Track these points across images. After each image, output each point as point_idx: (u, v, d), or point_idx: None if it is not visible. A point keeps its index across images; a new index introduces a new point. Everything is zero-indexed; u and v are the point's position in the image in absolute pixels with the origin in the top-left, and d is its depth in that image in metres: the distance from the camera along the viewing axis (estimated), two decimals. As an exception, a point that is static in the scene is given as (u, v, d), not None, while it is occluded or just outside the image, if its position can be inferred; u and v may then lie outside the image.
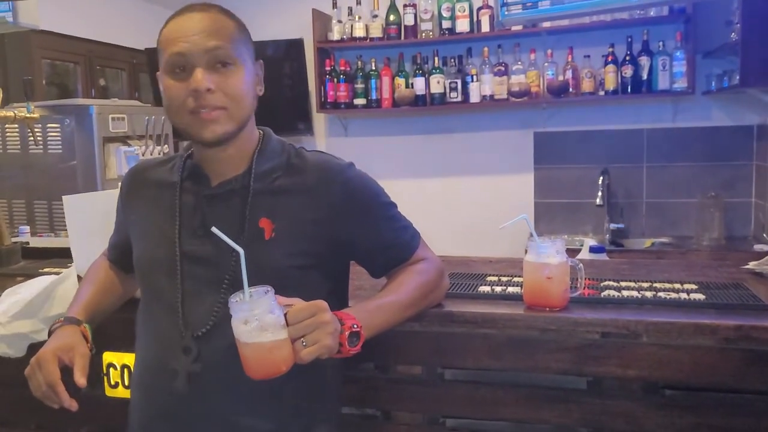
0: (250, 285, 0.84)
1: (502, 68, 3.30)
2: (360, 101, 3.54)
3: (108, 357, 1.31)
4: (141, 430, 1.03)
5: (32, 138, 2.14)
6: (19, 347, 1.26)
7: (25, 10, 2.04)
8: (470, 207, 3.54)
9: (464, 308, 1.14)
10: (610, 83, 3.15)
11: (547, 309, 1.12)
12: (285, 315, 0.84)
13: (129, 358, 1.28)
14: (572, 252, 1.30)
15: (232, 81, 0.96)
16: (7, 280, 1.54)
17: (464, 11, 3.32)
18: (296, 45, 3.51)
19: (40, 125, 2.34)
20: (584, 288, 1.17)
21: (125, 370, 1.31)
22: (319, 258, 1.00)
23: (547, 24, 3.10)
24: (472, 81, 3.34)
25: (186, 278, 0.99)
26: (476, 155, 3.55)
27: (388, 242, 1.05)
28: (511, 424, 1.16)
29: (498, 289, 1.25)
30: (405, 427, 1.20)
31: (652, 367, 1.07)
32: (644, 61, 3.10)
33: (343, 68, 3.56)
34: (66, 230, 1.46)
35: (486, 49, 3.33)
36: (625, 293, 1.20)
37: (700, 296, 1.17)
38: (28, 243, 1.91)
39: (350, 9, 3.50)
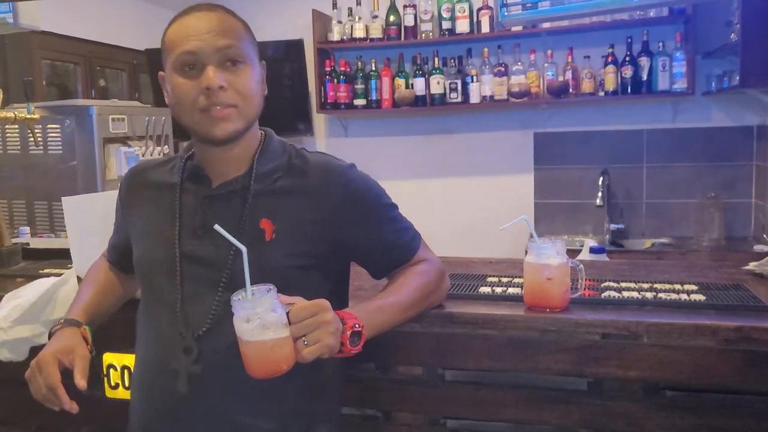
0: (251, 285, 0.84)
1: (502, 69, 3.30)
2: (360, 102, 3.54)
3: (108, 358, 1.31)
4: (141, 431, 1.03)
5: (32, 139, 2.14)
6: (20, 351, 1.26)
7: (25, 11, 2.05)
8: (470, 208, 3.54)
9: (465, 309, 1.14)
10: (610, 84, 3.15)
11: (548, 310, 1.12)
12: (287, 314, 0.84)
13: (129, 359, 1.28)
14: (572, 253, 1.30)
15: (242, 79, 0.97)
16: (7, 281, 1.54)
17: (464, 12, 3.33)
18: (296, 45, 3.51)
19: (40, 126, 2.34)
20: (585, 289, 1.17)
21: (125, 371, 1.31)
22: (319, 259, 1.00)
23: (547, 25, 3.10)
24: (472, 81, 3.34)
25: (186, 279, 0.99)
26: (476, 156, 3.55)
27: (389, 243, 1.05)
28: (512, 425, 1.16)
29: (498, 290, 1.25)
30: (405, 428, 1.20)
31: (652, 368, 1.07)
32: (644, 61, 3.10)
33: (343, 69, 3.56)
34: (66, 231, 1.45)
35: (486, 49, 3.33)
36: (626, 294, 1.20)
37: (700, 297, 1.17)
38: (28, 244, 1.91)
39: (350, 9, 3.50)
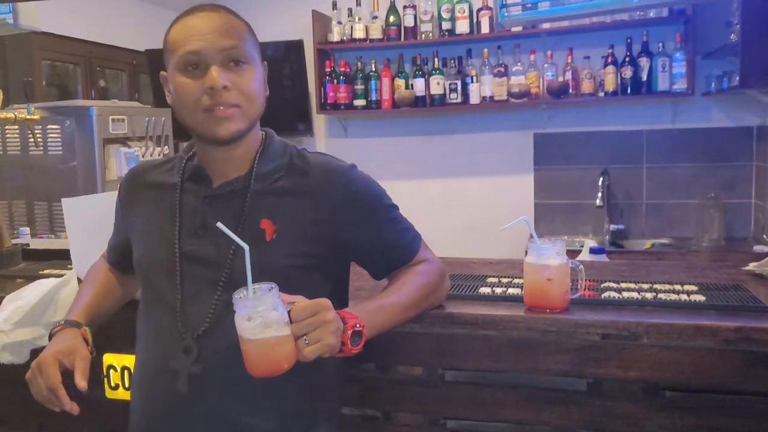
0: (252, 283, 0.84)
1: (502, 69, 3.30)
2: (360, 102, 3.54)
3: (108, 359, 1.31)
4: (141, 431, 1.03)
5: (32, 139, 2.15)
6: (22, 354, 1.26)
7: (25, 11, 2.05)
8: (470, 208, 3.54)
9: (465, 309, 1.14)
10: (610, 84, 3.15)
11: (548, 310, 1.12)
12: (288, 312, 0.84)
13: (129, 360, 1.28)
14: (572, 253, 1.30)
15: (246, 79, 0.97)
16: (7, 282, 1.54)
17: (464, 12, 3.33)
18: (296, 46, 3.51)
19: (40, 126, 2.34)
20: (584, 289, 1.17)
21: (125, 372, 1.31)
22: (320, 259, 1.00)
23: (546, 25, 3.10)
24: (472, 82, 3.34)
25: (185, 279, 0.99)
26: (476, 156, 3.55)
27: (390, 244, 1.05)
28: (512, 426, 1.16)
29: (498, 290, 1.25)
30: (405, 428, 1.20)
31: (652, 369, 1.07)
32: (644, 62, 3.10)
33: (343, 69, 3.56)
34: (66, 231, 1.45)
35: (486, 50, 3.33)
36: (626, 295, 1.20)
37: (700, 298, 1.17)
38: (28, 244, 1.91)
39: (350, 10, 3.50)
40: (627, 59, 3.12)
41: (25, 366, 1.03)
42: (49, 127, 2.47)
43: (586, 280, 1.16)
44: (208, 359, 0.96)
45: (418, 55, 3.47)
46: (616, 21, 3.11)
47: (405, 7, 3.43)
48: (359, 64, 3.54)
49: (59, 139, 2.49)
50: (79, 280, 1.29)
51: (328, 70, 3.55)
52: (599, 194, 3.10)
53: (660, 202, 3.27)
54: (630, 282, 1.30)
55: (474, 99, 3.35)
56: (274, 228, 0.98)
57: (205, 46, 0.94)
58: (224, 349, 0.93)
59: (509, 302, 1.19)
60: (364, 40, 3.48)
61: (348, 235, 1.01)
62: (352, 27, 3.48)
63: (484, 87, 3.33)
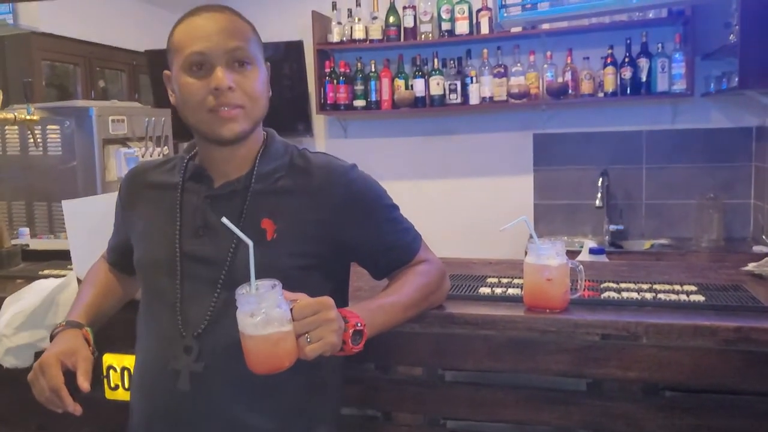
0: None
1: (502, 70, 3.31)
2: (359, 103, 3.54)
3: (108, 359, 1.31)
4: (142, 431, 1.03)
5: (32, 140, 2.15)
6: (25, 357, 1.26)
7: (25, 12, 2.05)
8: (470, 208, 3.55)
9: (464, 310, 1.15)
10: (609, 85, 3.15)
11: (547, 311, 1.13)
12: (290, 310, 0.84)
13: (129, 360, 1.28)
14: (572, 254, 1.30)
15: (250, 80, 0.97)
16: (7, 282, 1.55)
17: (463, 13, 3.33)
18: (296, 47, 3.51)
19: (39, 127, 2.34)
20: (584, 290, 1.17)
21: (125, 373, 1.31)
22: (320, 259, 1.00)
23: (546, 26, 3.10)
24: (472, 83, 3.35)
25: (186, 278, 0.99)
26: (476, 157, 3.56)
27: (390, 244, 1.06)
28: (512, 426, 1.16)
29: (498, 290, 1.25)
30: (405, 428, 1.20)
31: (652, 369, 1.07)
32: (643, 62, 3.10)
33: (342, 70, 3.56)
34: (66, 232, 1.46)
35: (485, 50, 3.33)
36: (625, 295, 1.20)
37: (699, 298, 1.17)
38: (27, 245, 1.91)
39: (350, 11, 3.50)
40: (626, 60, 3.12)
41: (26, 367, 1.02)
42: (48, 127, 2.48)
43: (585, 281, 1.16)
44: (209, 357, 0.96)
45: (418, 56, 3.47)
46: (616, 22, 3.11)
47: (405, 7, 3.43)
48: (359, 64, 3.54)
49: (59, 140, 2.49)
50: (79, 281, 1.29)
51: (327, 70, 3.55)
52: (599, 195, 3.11)
53: (659, 203, 3.27)
54: (629, 282, 1.30)
55: (473, 99, 3.35)
56: (275, 228, 0.98)
57: (211, 47, 0.95)
58: (225, 347, 0.94)
59: (509, 302, 1.20)
60: (364, 40, 3.48)
61: (348, 235, 1.02)
62: (351, 27, 3.48)
63: (483, 87, 3.33)
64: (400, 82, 3.47)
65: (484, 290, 1.26)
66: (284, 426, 0.99)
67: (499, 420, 1.16)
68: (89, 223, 1.39)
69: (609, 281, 1.31)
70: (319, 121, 3.79)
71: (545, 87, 3.27)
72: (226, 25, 0.97)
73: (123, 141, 2.66)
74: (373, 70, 3.52)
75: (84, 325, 1.07)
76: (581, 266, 1.15)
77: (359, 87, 3.53)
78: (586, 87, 3.19)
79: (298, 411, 1.00)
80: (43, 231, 2.48)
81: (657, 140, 3.26)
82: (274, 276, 0.86)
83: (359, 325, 0.89)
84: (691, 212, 3.16)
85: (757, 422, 1.05)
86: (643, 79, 3.10)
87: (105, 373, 1.31)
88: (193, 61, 0.96)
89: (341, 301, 1.06)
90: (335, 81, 3.53)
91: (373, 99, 3.52)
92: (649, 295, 1.19)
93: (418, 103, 3.43)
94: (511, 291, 1.24)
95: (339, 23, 3.52)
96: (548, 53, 3.26)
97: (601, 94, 3.19)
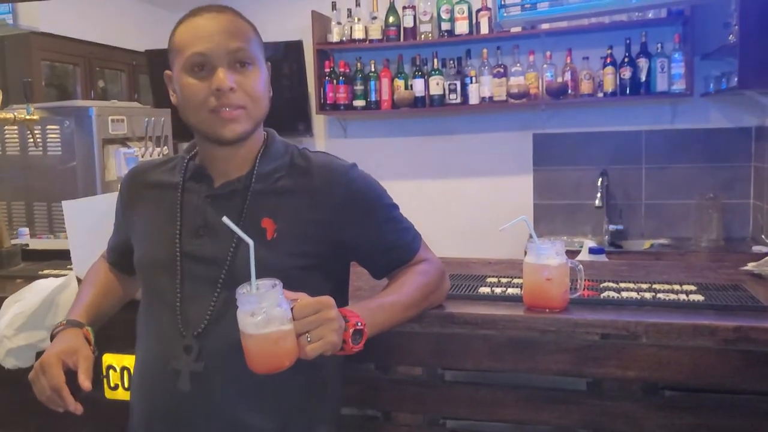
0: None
1: (501, 70, 3.31)
2: (359, 103, 3.54)
3: (108, 359, 1.31)
4: (142, 431, 1.03)
5: (32, 140, 2.15)
6: (26, 358, 1.26)
7: (25, 12, 2.05)
8: (469, 208, 3.55)
9: (464, 309, 1.15)
10: (609, 85, 3.15)
11: (547, 310, 1.13)
12: (291, 309, 0.84)
13: (129, 360, 1.28)
14: (571, 254, 1.30)
15: (251, 81, 0.98)
16: (6, 282, 1.55)
17: (463, 13, 3.33)
18: (296, 46, 3.51)
19: (39, 127, 2.34)
20: (584, 289, 1.17)
21: (125, 373, 1.31)
22: (320, 259, 1.00)
23: (545, 26, 3.11)
24: (471, 82, 3.35)
25: (186, 278, 0.99)
26: (475, 157, 3.56)
27: (390, 244, 1.06)
28: (511, 426, 1.16)
29: (498, 290, 1.25)
30: (405, 428, 1.20)
31: (651, 368, 1.07)
32: (643, 62, 3.10)
33: (342, 70, 3.56)
34: (65, 232, 1.46)
35: (485, 50, 3.33)
36: (625, 294, 1.21)
37: (699, 297, 1.17)
38: (27, 245, 1.91)
39: (349, 11, 3.51)
40: (626, 60, 3.12)
41: (27, 367, 1.02)
42: (48, 127, 2.48)
43: (585, 280, 1.16)
44: (209, 357, 0.96)
45: (418, 56, 3.47)
46: (615, 22, 3.11)
47: (404, 7, 3.43)
48: (359, 64, 3.54)
49: (58, 140, 2.49)
50: (79, 281, 1.29)
51: (327, 70, 3.55)
52: (598, 195, 3.11)
53: (659, 203, 3.27)
54: (629, 282, 1.30)
55: (473, 99, 3.35)
56: (275, 227, 0.98)
57: (212, 48, 0.95)
58: (224, 346, 0.94)
59: (509, 302, 1.20)
60: (364, 40, 3.48)
61: (348, 234, 1.02)
62: (351, 27, 3.48)
63: (483, 87, 3.33)
64: (399, 82, 3.47)
65: (484, 290, 1.26)
66: (284, 426, 0.99)
67: (499, 420, 1.16)
68: (89, 224, 1.39)
69: (608, 281, 1.32)
70: (318, 121, 3.79)
71: (545, 87, 3.27)
72: (228, 26, 0.97)
73: (123, 141, 2.66)
74: (372, 70, 3.52)
75: (84, 324, 1.07)
76: (581, 266, 1.15)
77: (359, 87, 3.53)
78: (585, 87, 3.20)
79: (298, 411, 1.00)
80: (43, 231, 2.48)
81: (656, 140, 3.26)
82: (274, 276, 0.86)
83: (359, 324, 0.89)
84: (691, 212, 3.16)
85: (756, 422, 1.05)
86: (643, 79, 3.10)
87: (105, 373, 1.32)
88: (194, 62, 0.96)
89: (341, 301, 1.06)
90: (335, 81, 3.53)
91: (373, 99, 3.52)
92: (648, 295, 1.19)
93: (417, 103, 3.43)
94: (510, 291, 1.25)
95: (339, 23, 3.52)
96: (548, 53, 3.27)
97: (600, 94, 3.19)
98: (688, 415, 1.08)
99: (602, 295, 1.21)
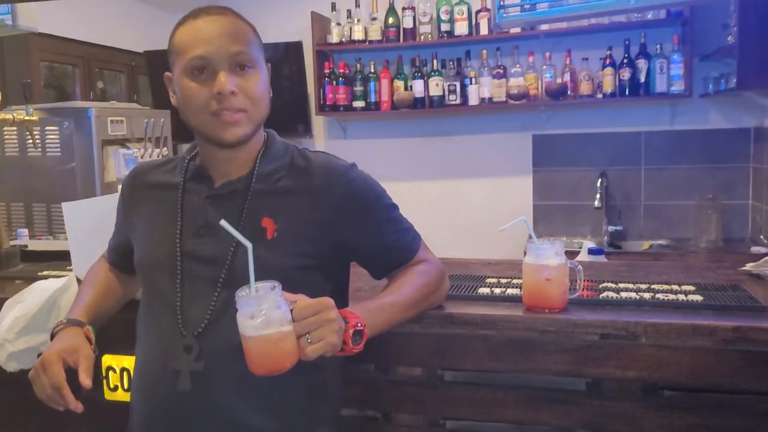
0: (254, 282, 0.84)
1: (501, 71, 3.31)
2: (359, 104, 3.54)
3: (107, 360, 1.31)
4: (142, 431, 1.03)
5: (31, 141, 2.15)
6: (28, 361, 1.26)
7: (24, 12, 2.04)
8: (469, 209, 3.55)
9: (464, 310, 1.15)
10: (608, 86, 3.16)
11: (547, 310, 1.13)
12: (290, 311, 0.84)
13: (128, 361, 1.28)
14: (571, 254, 1.30)
15: (252, 84, 0.98)
16: (6, 283, 1.55)
17: (463, 14, 3.33)
18: (295, 47, 3.51)
19: (38, 128, 2.34)
20: (583, 290, 1.17)
21: (125, 374, 1.31)
22: (320, 259, 1.00)
23: (545, 27, 3.11)
24: (471, 84, 3.35)
25: (186, 278, 0.99)
26: (475, 158, 3.56)
27: (390, 244, 1.06)
28: (511, 426, 1.16)
29: (497, 290, 1.25)
30: (405, 429, 1.20)
31: (650, 369, 1.07)
32: (642, 63, 3.11)
33: (342, 71, 3.56)
34: (65, 233, 1.46)
35: (485, 51, 3.34)
36: (624, 295, 1.21)
37: (698, 298, 1.17)
38: (26, 246, 1.91)
39: (349, 12, 3.51)
40: (625, 61, 3.13)
41: (27, 369, 1.02)
42: (47, 128, 2.48)
43: (584, 281, 1.16)
44: (210, 357, 0.96)
45: (417, 57, 3.47)
46: (614, 23, 3.11)
47: (404, 8, 3.43)
48: (358, 65, 3.55)
49: (58, 141, 2.49)
50: (79, 282, 1.29)
51: (327, 71, 3.55)
52: (598, 195, 3.11)
53: (658, 204, 3.28)
54: (628, 282, 1.30)
55: (473, 100, 3.35)
56: (275, 227, 0.98)
57: (213, 51, 0.95)
58: (225, 346, 0.94)
59: (508, 302, 1.20)
60: (363, 41, 3.48)
61: (348, 235, 1.02)
62: (351, 28, 3.49)
63: (482, 88, 3.34)
64: (399, 83, 3.47)
65: (484, 290, 1.26)
66: (284, 427, 0.99)
67: (498, 420, 1.16)
68: (89, 225, 1.39)
69: (608, 281, 1.32)
70: (318, 122, 3.79)
71: (544, 88, 3.27)
72: (228, 28, 0.97)
73: (122, 142, 2.66)
74: (372, 71, 3.52)
75: (85, 323, 1.08)
76: (580, 266, 1.15)
77: (358, 88, 3.53)
78: (584, 88, 3.20)
79: (298, 412, 1.00)
80: (42, 232, 2.48)
81: (655, 141, 3.26)
82: (275, 276, 0.87)
83: (359, 325, 0.89)
84: (690, 213, 3.17)
85: (755, 421, 1.06)
86: (642, 80, 3.11)
87: (104, 374, 1.31)
88: (195, 65, 0.96)
89: (341, 302, 1.06)
90: (334, 82, 3.53)
91: (373, 100, 3.52)
92: (647, 295, 1.19)
93: (417, 104, 3.43)
94: (510, 291, 1.25)
95: (338, 24, 3.53)
96: (547, 54, 3.27)
97: (599, 95, 3.19)
98: (687, 415, 1.08)
99: (601, 296, 1.21)
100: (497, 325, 1.12)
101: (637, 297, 1.19)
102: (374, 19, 3.49)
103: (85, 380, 0.97)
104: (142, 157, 2.64)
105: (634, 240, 3.26)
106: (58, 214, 2.35)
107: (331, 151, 1.09)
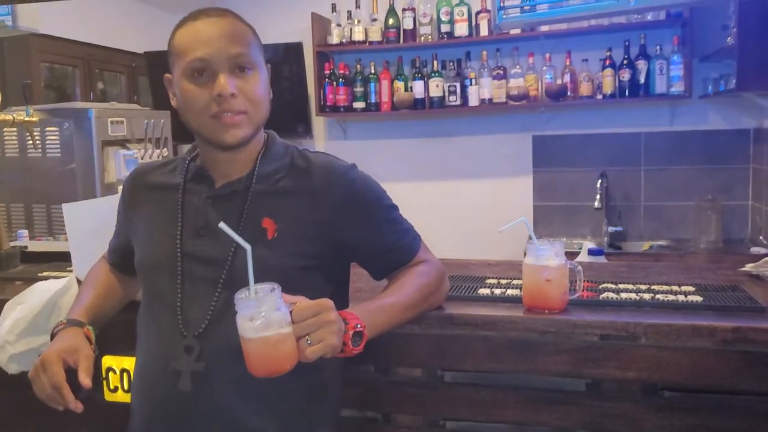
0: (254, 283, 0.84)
1: (501, 72, 3.31)
2: (359, 104, 3.55)
3: (107, 361, 1.31)
4: (142, 432, 1.03)
5: (31, 141, 2.15)
6: (29, 363, 1.25)
7: (24, 13, 2.05)
8: (469, 210, 3.55)
9: (464, 311, 1.15)
10: (608, 87, 3.16)
11: (546, 311, 1.13)
12: (290, 313, 0.84)
13: (128, 362, 1.28)
14: (571, 255, 1.30)
15: (252, 85, 0.98)
16: (6, 284, 1.55)
17: (463, 15, 3.34)
18: (296, 48, 3.52)
19: (38, 129, 2.34)
20: (583, 290, 1.18)
21: (125, 375, 1.31)
22: (320, 259, 1.01)
23: (545, 28, 3.12)
24: (471, 84, 3.35)
25: (186, 278, 0.99)
26: (475, 159, 3.56)
27: (390, 245, 1.06)
28: (511, 427, 1.16)
29: (497, 291, 1.25)
30: (405, 430, 1.20)
31: (650, 369, 1.08)
32: (642, 64, 3.11)
33: (342, 72, 3.57)
34: (65, 234, 1.46)
35: (485, 52, 3.34)
36: (624, 295, 1.21)
37: (697, 298, 1.17)
38: (26, 247, 1.91)
39: (349, 13, 3.51)
40: (625, 62, 3.13)
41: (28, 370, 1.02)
42: (47, 129, 2.48)
43: (584, 281, 1.16)
44: (210, 357, 0.96)
45: (417, 58, 3.48)
46: (614, 24, 3.12)
47: (404, 9, 3.44)
48: (358, 66, 3.55)
49: (58, 142, 2.50)
50: (79, 283, 1.29)
51: (327, 72, 3.56)
52: (597, 196, 3.11)
53: (658, 204, 3.28)
54: (628, 283, 1.30)
55: (473, 101, 3.36)
56: (275, 227, 0.98)
57: (213, 53, 0.95)
58: (225, 346, 0.94)
59: (508, 303, 1.20)
60: (363, 42, 3.49)
61: (348, 235, 1.02)
62: (351, 29, 3.49)
63: (482, 89, 3.34)
64: (399, 84, 3.47)
65: (484, 291, 1.26)
66: (284, 428, 0.99)
67: (498, 421, 1.16)
68: (89, 226, 1.39)
69: (608, 282, 1.32)
70: (318, 122, 3.79)
71: (544, 89, 3.28)
72: (228, 30, 0.97)
73: (122, 143, 2.66)
74: (372, 71, 3.52)
75: (85, 323, 1.08)
76: (580, 267, 1.15)
77: (359, 89, 3.53)
78: (584, 89, 3.20)
79: (298, 413, 1.00)
80: (42, 233, 2.48)
81: (655, 142, 3.26)
82: (275, 276, 0.87)
83: (359, 326, 0.89)
84: (690, 214, 3.17)
85: (755, 422, 1.06)
86: (642, 81, 3.11)
87: (104, 375, 1.31)
88: (194, 68, 0.96)
89: (342, 303, 1.06)
90: (335, 83, 3.54)
91: (373, 101, 3.52)
92: (647, 296, 1.19)
93: (417, 104, 3.43)
94: (510, 292, 1.25)
95: (338, 25, 3.53)
96: (547, 55, 3.27)
97: (599, 96, 3.20)
98: (687, 415, 1.08)
99: (601, 296, 1.21)
100: (497, 326, 1.12)
101: (637, 298, 1.19)
102: (374, 20, 3.49)
103: (85, 380, 0.97)
104: (142, 158, 2.64)
105: (634, 241, 3.26)
106: (59, 215, 2.35)
107: (332, 152, 1.09)
